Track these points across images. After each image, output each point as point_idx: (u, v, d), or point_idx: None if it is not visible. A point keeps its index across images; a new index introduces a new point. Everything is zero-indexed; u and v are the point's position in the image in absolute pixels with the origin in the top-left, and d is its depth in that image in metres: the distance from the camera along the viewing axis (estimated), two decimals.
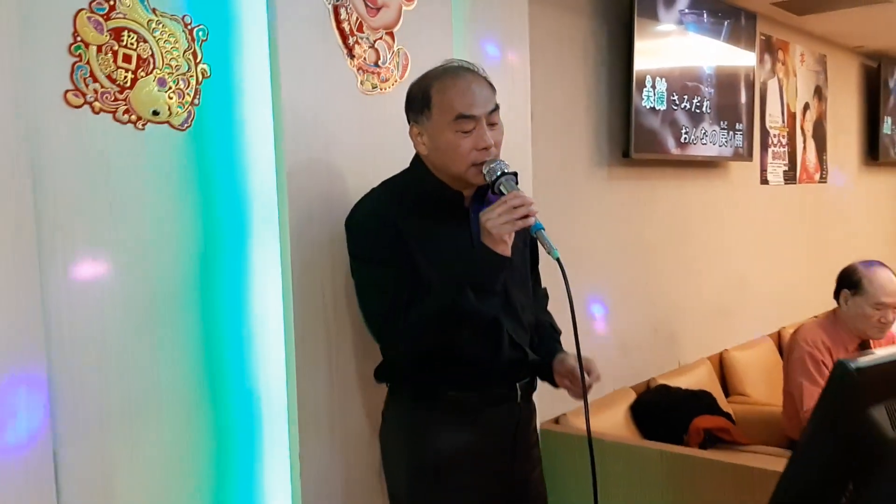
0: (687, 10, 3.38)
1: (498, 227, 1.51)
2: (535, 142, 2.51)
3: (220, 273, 1.76)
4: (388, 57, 2.00)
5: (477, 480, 1.69)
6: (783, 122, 4.51)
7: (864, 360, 0.70)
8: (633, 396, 3.14)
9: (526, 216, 1.51)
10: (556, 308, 1.87)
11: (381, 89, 1.99)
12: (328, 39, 1.86)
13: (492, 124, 1.62)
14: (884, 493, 0.75)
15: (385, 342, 1.69)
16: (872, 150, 5.62)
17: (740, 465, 2.25)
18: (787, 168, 4.57)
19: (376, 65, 1.97)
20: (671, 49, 3.32)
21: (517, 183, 1.58)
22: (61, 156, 1.52)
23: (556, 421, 2.71)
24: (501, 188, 1.56)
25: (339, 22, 1.88)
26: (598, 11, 3.08)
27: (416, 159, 1.72)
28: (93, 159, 1.57)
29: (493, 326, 1.66)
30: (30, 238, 1.46)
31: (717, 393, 3.51)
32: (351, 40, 1.91)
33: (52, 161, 1.51)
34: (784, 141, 4.53)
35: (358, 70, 1.93)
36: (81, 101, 1.56)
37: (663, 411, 3.07)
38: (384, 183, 1.73)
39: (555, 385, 1.75)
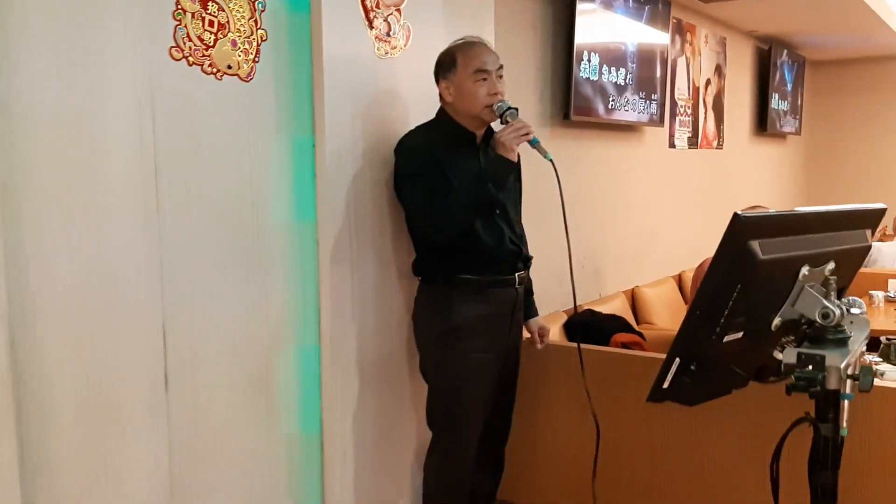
0: None
1: (509, 140, 2.18)
2: None
3: (270, 188, 2.26)
4: (397, 29, 2.52)
5: (485, 340, 2.34)
6: (689, 94, 5.23)
7: (747, 213, 1.30)
8: (564, 318, 3.79)
9: (527, 134, 2.18)
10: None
11: (391, 55, 2.51)
12: (355, 13, 2.37)
13: (499, 77, 2.27)
14: (755, 291, 1.37)
15: (431, 228, 2.28)
16: (762, 123, 6.46)
17: (651, 357, 2.90)
18: (690, 135, 5.31)
19: (388, 35, 2.49)
20: (604, 29, 3.94)
21: (518, 114, 2.22)
22: (167, 100, 1.98)
23: None
24: (508, 118, 2.22)
25: (363, 0, 2.38)
26: None
27: (441, 111, 2.35)
28: (187, 102, 2.03)
29: (497, 226, 2.29)
30: (150, 161, 1.93)
31: (630, 320, 4.21)
32: (371, 15, 2.42)
33: (161, 104, 1.97)
34: (689, 111, 5.26)
35: (376, 39, 2.44)
36: (181, 55, 2.02)
37: (589, 329, 3.74)
38: (419, 126, 2.35)
39: None
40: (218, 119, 2.11)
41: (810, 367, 1.32)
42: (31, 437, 1.71)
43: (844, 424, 1.54)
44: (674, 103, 5.02)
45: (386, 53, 2.49)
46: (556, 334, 3.57)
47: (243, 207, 2.18)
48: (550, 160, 2.21)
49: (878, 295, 4.68)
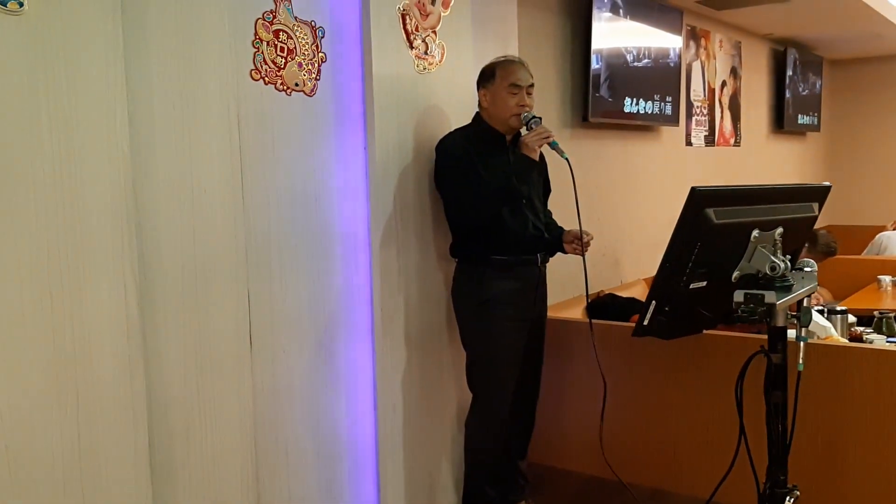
0: (630, 8, 4.40)
1: (532, 142, 2.63)
2: None
3: (331, 183, 2.71)
4: (433, 48, 2.96)
5: (512, 312, 2.77)
6: (705, 95, 5.61)
7: (702, 187, 1.71)
8: (585, 301, 4.19)
9: (547, 137, 2.63)
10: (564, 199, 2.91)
11: (428, 70, 2.95)
12: (398, 36, 2.82)
13: (529, 93, 2.72)
14: (712, 248, 1.78)
15: (464, 214, 2.73)
16: (779, 121, 6.78)
17: None
18: (707, 133, 5.68)
19: (426, 53, 2.93)
20: (618, 37, 4.35)
21: (541, 122, 2.66)
22: (248, 113, 2.44)
23: None
24: (532, 124, 2.66)
25: (404, 24, 2.83)
26: (565, 10, 4.10)
27: (477, 115, 2.81)
28: (264, 114, 2.49)
29: (523, 214, 2.73)
30: (237, 161, 2.39)
31: None
32: (411, 37, 2.86)
33: (244, 116, 2.43)
34: (705, 111, 5.63)
35: (415, 57, 2.89)
36: (259, 76, 2.48)
37: (610, 311, 4.13)
38: (457, 129, 2.81)
39: (564, 252, 2.83)
40: (288, 127, 2.57)
41: (752, 305, 1.72)
42: (151, 381, 2.17)
43: (801, 361, 1.94)
44: (689, 104, 5.39)
45: (424, 69, 2.93)
46: (579, 314, 3.98)
47: (309, 200, 2.63)
48: (566, 159, 2.62)
49: (886, 279, 5.01)
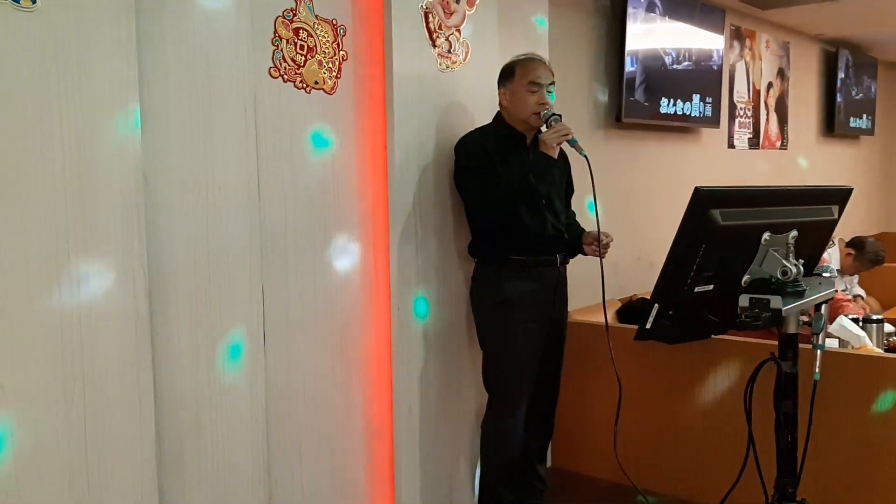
0: (668, 7, 4.32)
1: (551, 139, 2.60)
2: None
3: (350, 181, 2.71)
4: (457, 46, 2.95)
5: (530, 314, 2.74)
6: (749, 97, 5.47)
7: (707, 186, 1.66)
8: (618, 304, 4.12)
9: (566, 135, 2.59)
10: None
11: (451, 69, 2.94)
12: (420, 34, 2.81)
13: (549, 91, 2.68)
14: (718, 251, 1.73)
15: (481, 212, 2.71)
16: (829, 124, 6.58)
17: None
18: (751, 136, 5.54)
19: (449, 52, 2.92)
20: (656, 37, 4.27)
21: (561, 120, 2.63)
22: (266, 111, 2.45)
23: None
24: (552, 122, 2.63)
25: (427, 22, 2.82)
26: (599, 10, 4.04)
27: (497, 115, 2.79)
28: (282, 113, 2.50)
29: (542, 214, 2.70)
30: (253, 159, 2.41)
31: None
32: (434, 35, 2.85)
33: (262, 114, 2.44)
34: (749, 113, 5.49)
35: (438, 55, 2.88)
36: (277, 74, 2.50)
37: (641, 315, 4.05)
38: (477, 129, 2.80)
39: (584, 254, 2.79)
40: (307, 126, 2.58)
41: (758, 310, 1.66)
42: (160, 375, 2.20)
43: (817, 370, 1.86)
44: (732, 105, 5.26)
45: (447, 68, 2.92)
46: (610, 319, 3.91)
47: (327, 198, 2.64)
48: (585, 157, 2.58)
49: None
